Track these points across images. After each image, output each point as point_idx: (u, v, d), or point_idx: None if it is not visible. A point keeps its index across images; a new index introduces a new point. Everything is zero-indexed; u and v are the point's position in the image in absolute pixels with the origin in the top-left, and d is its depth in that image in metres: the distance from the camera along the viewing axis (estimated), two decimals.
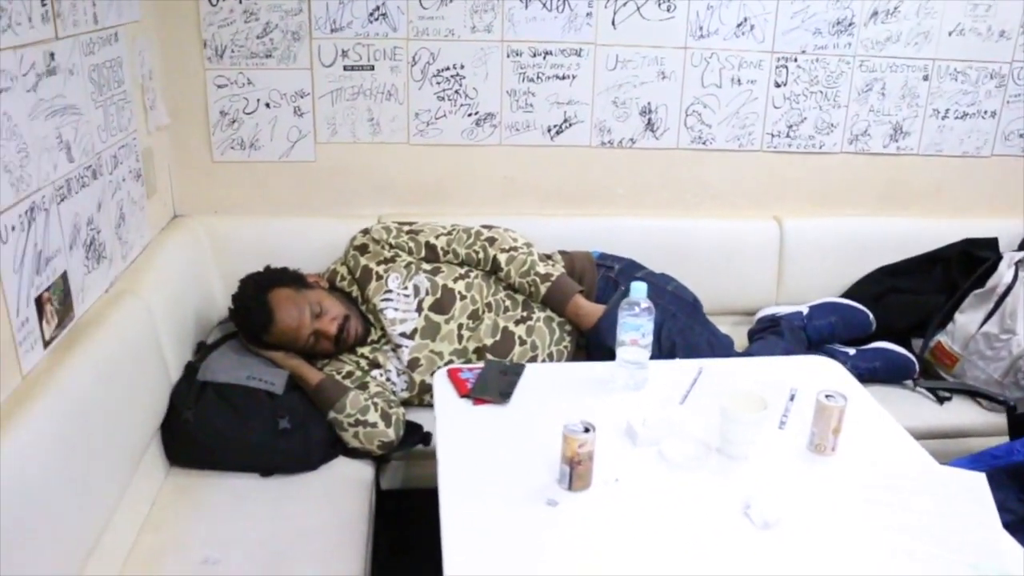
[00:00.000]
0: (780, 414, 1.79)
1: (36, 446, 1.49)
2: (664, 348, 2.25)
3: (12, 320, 1.59)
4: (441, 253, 2.47)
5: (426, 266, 2.44)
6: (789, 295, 2.82)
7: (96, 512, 1.71)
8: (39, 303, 1.69)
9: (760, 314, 2.75)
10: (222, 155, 2.67)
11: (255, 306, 2.23)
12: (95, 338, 1.81)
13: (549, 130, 2.75)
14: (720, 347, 2.36)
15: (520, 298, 2.43)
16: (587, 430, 1.51)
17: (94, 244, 2.00)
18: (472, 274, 2.44)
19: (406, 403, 2.36)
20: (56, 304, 1.76)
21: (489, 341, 2.35)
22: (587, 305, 2.37)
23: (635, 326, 1.84)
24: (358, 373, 2.33)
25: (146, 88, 2.38)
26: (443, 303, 2.37)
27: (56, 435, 1.56)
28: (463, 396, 1.88)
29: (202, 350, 2.33)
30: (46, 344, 1.72)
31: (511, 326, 2.38)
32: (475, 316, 2.38)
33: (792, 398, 1.86)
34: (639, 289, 1.84)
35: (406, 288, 2.39)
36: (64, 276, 1.82)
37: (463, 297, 2.39)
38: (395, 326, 2.36)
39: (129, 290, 2.08)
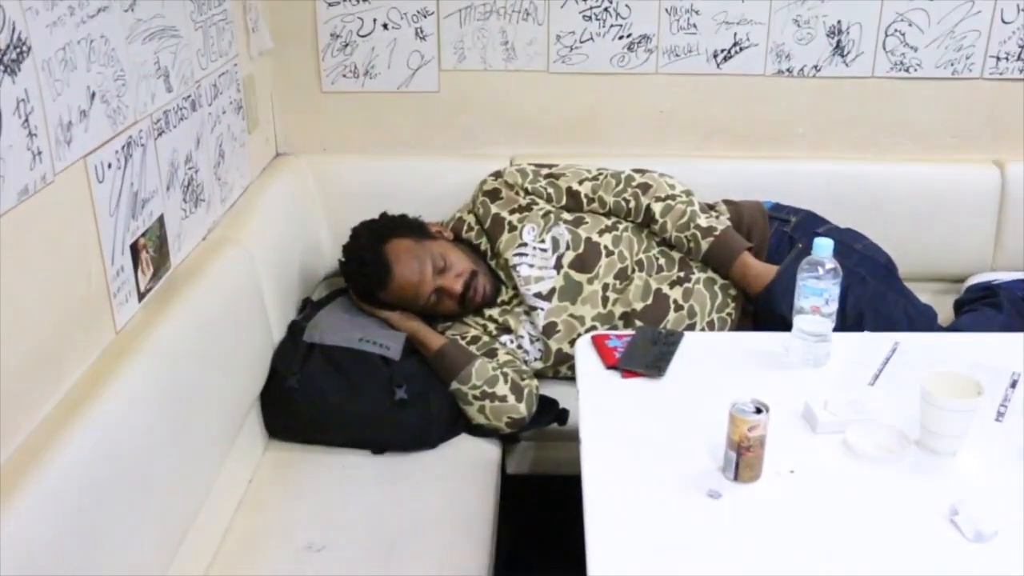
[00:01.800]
0: (998, 403, 1.75)
1: (130, 414, 1.54)
2: (850, 318, 2.23)
3: (107, 269, 1.64)
4: (585, 201, 2.49)
5: (567, 216, 2.46)
6: (1009, 259, 2.76)
7: (192, 490, 1.76)
8: (134, 250, 1.75)
9: (971, 281, 2.70)
10: (332, 84, 2.72)
11: (370, 258, 2.29)
12: (193, 292, 1.87)
13: (715, 55, 2.73)
14: (920, 319, 2.33)
15: (677, 256, 2.44)
16: (759, 410, 1.51)
17: (192, 185, 2.05)
18: (620, 226, 2.45)
19: (539, 375, 2.39)
20: (152, 252, 1.82)
21: (639, 305, 2.37)
22: (757, 265, 2.36)
23: (817, 290, 1.82)
24: (485, 338, 2.38)
25: (248, 6, 2.45)
26: (586, 259, 2.39)
27: (151, 402, 1.61)
28: (610, 367, 1.90)
29: (308, 308, 2.40)
30: (141, 296, 1.78)
31: (665, 288, 2.39)
32: (623, 276, 2.39)
33: (1013, 384, 1.81)
34: (824, 246, 1.82)
35: (543, 241, 2.41)
36: (161, 220, 1.88)
37: (609, 253, 2.40)
38: (529, 285, 2.39)
39: (229, 238, 2.15)
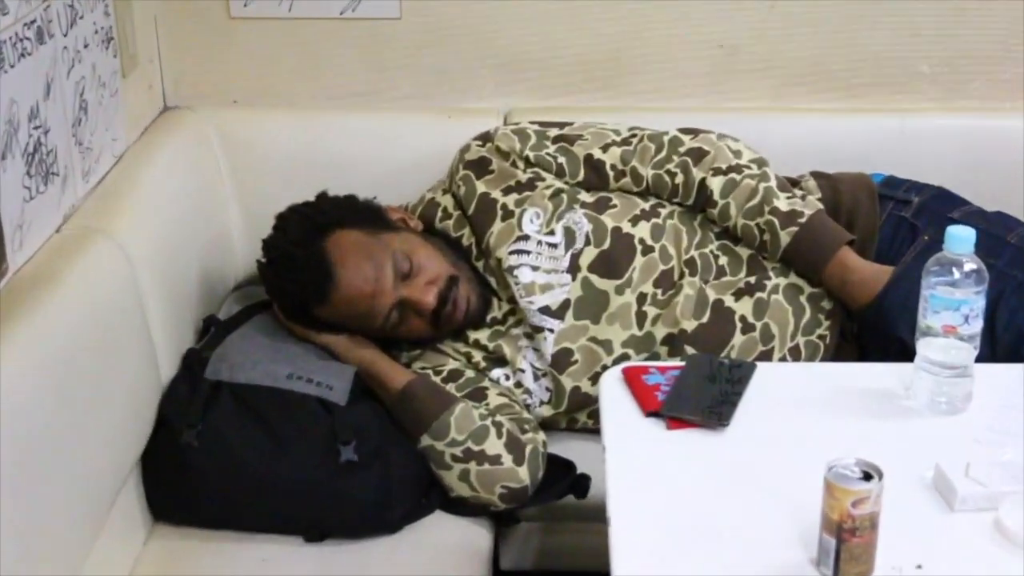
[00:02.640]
0: None
1: None
2: (1003, 342, 2.22)
3: None
4: (612, 175, 2.51)
5: (586, 197, 2.48)
6: None
7: None
8: None
9: None
10: (246, 7, 2.74)
11: (303, 258, 2.30)
12: (41, 307, 1.84)
13: None
14: None
15: (745, 253, 2.44)
16: (868, 477, 1.47)
17: (39, 153, 2.03)
18: (663, 211, 2.46)
19: (547, 425, 2.42)
20: None
21: (691, 324, 2.37)
22: (862, 266, 2.36)
23: (952, 303, 1.79)
24: (469, 373, 2.41)
25: None
26: (614, 259, 2.40)
27: None
28: (650, 414, 1.87)
29: (213, 330, 2.41)
30: None
31: (728, 300, 2.40)
32: (667, 282, 2.40)
33: None
34: (961, 238, 1.79)
35: (552, 233, 2.42)
36: None
37: (648, 250, 2.41)
38: (533, 296, 2.40)
39: (96, 229, 2.13)
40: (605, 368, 2.28)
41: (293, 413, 2.22)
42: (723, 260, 2.44)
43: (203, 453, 2.16)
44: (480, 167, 2.54)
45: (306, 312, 2.35)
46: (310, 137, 2.76)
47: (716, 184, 2.42)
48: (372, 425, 2.24)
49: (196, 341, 2.43)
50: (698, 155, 2.46)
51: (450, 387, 2.34)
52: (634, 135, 2.53)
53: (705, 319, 2.39)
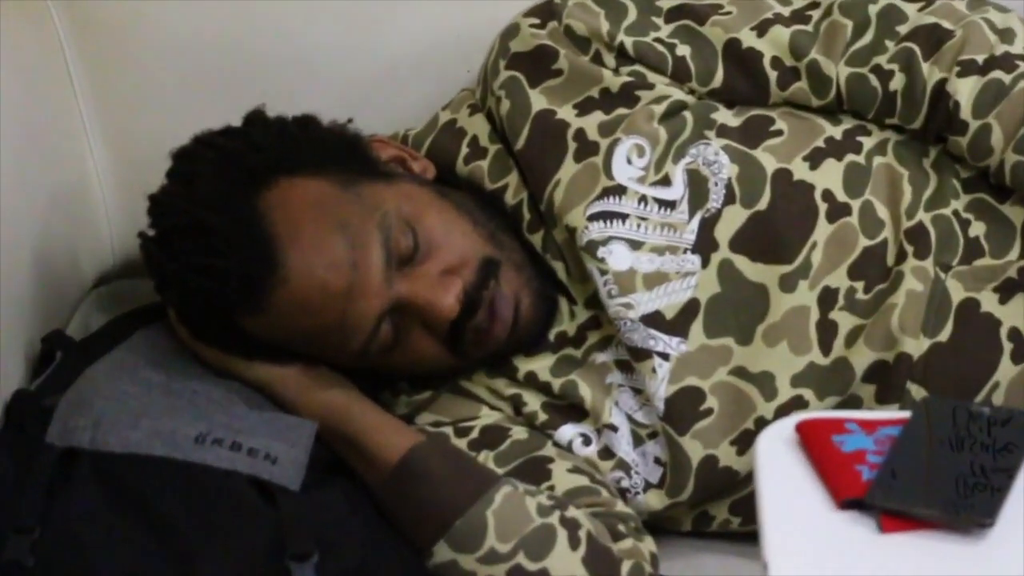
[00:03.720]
0: None
1: None
2: None
3: None
4: (774, 78, 2.41)
5: (727, 116, 2.41)
6: None
7: None
8: None
9: None
10: None
11: (222, 231, 2.20)
12: None
13: None
14: None
15: (1020, 216, 2.34)
16: None
17: None
18: (866, 140, 2.38)
19: (659, 525, 2.36)
20: None
21: (919, 344, 2.26)
22: None
23: None
24: (518, 433, 2.35)
25: None
26: (777, 228, 2.32)
27: None
28: (848, 505, 1.68)
29: (60, 357, 2.38)
30: None
31: (987, 299, 2.30)
32: (875, 268, 2.32)
33: None
34: None
35: (666, 181, 2.34)
36: None
37: (839, 210, 2.33)
38: (633, 294, 2.32)
39: None
40: (762, 424, 2.21)
41: (208, 506, 2.10)
42: (977, 230, 2.34)
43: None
44: (537, 65, 2.45)
45: (229, 326, 2.26)
46: (230, 17, 2.73)
47: (966, 91, 2.31)
48: (347, 526, 2.14)
49: (29, 378, 2.37)
50: (932, 38, 2.36)
51: (484, 457, 2.28)
52: (815, 3, 2.45)
53: (945, 335, 2.28)
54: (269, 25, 2.74)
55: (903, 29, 2.37)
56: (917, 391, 2.24)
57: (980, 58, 2.32)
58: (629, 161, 2.34)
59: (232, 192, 2.23)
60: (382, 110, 2.64)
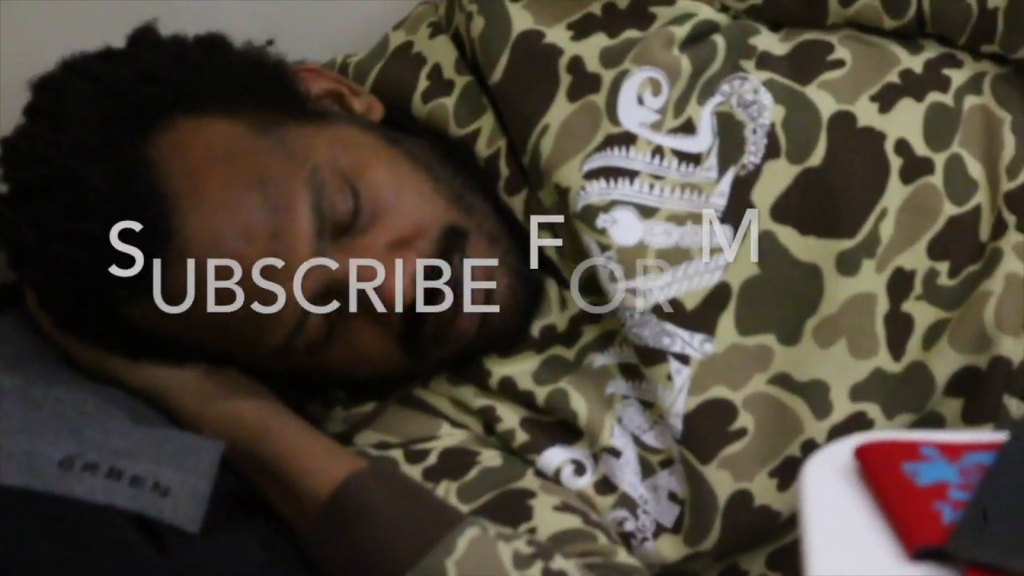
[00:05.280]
0: None
1: None
2: None
3: None
4: None
5: (769, 42, 2.14)
6: None
7: None
8: None
9: None
10: None
11: (99, 185, 1.96)
12: None
13: None
14: None
15: None
16: None
17: None
18: (954, 75, 2.11)
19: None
20: None
21: (1019, 347, 2.03)
22: None
23: None
24: (489, 459, 2.11)
25: None
26: (834, 190, 2.06)
27: None
28: (923, 555, 1.39)
29: None
30: None
31: None
32: (962, 243, 2.07)
33: None
34: None
35: (688, 128, 2.09)
36: None
37: (917, 166, 2.07)
38: (641, 277, 2.04)
39: None
40: (811, 449, 1.96)
41: (76, 554, 1.88)
42: None
43: None
44: None
45: (107, 314, 1.99)
46: None
47: None
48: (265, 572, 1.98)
49: None
50: None
51: (445, 490, 2.03)
52: None
53: None
54: None
55: None
56: (1017, 407, 1.98)
57: None
58: (641, 101, 2.04)
59: (113, 136, 1.94)
60: (314, 28, 2.43)
